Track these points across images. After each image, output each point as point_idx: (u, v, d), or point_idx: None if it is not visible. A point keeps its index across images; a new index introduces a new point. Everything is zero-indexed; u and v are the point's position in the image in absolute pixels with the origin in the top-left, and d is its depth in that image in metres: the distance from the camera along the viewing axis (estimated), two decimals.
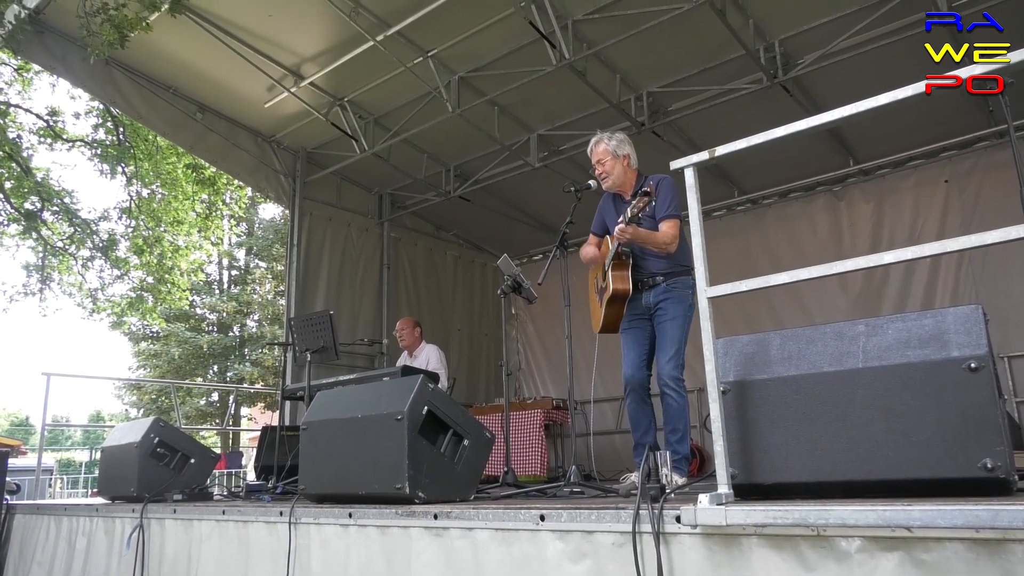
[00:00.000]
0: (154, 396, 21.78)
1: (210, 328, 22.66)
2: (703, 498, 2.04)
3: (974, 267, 6.77)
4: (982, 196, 6.83)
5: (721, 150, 2.31)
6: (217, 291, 23.27)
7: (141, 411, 22.25)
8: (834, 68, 5.87)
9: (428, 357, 6.54)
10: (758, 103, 6.36)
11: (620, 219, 3.65)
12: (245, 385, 21.01)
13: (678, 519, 2.10)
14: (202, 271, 20.53)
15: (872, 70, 5.82)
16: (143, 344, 21.94)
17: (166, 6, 5.16)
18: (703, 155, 2.34)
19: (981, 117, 6.53)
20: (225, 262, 24.05)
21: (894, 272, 7.14)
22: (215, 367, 22.04)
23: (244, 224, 22.96)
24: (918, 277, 7.10)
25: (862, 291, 7.37)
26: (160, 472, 4.79)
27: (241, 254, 24.50)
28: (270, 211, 23.31)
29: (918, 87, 1.99)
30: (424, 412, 3.17)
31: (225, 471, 13.99)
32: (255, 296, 23.34)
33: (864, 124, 6.33)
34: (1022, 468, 2.00)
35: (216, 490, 5.53)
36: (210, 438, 23.52)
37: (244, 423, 24.56)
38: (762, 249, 8.13)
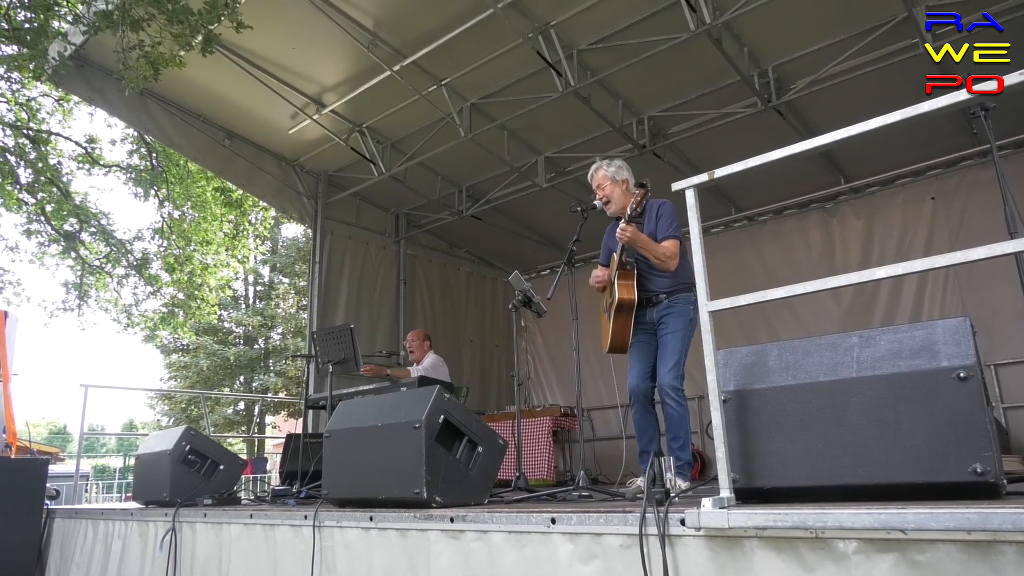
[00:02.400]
0: (184, 405, 21.85)
1: (237, 341, 22.72)
2: (706, 502, 2.03)
3: (960, 279, 6.74)
4: (967, 212, 6.81)
5: (720, 172, 2.30)
6: (243, 306, 23.38)
7: (172, 420, 22.31)
8: (824, 93, 5.88)
9: (425, 366, 6.50)
10: (753, 125, 6.38)
11: (622, 220, 3.67)
12: (270, 395, 21.04)
13: (682, 522, 2.09)
14: (229, 287, 20.60)
15: (860, 94, 5.83)
16: (174, 356, 22.04)
17: (198, 40, 5.20)
18: (703, 177, 2.33)
19: (965, 138, 6.53)
20: (251, 279, 24.19)
21: (884, 284, 7.11)
22: (241, 378, 22.12)
23: (268, 243, 23.08)
24: (907, 289, 7.08)
25: (853, 302, 7.34)
26: (191, 478, 4.79)
27: (266, 271, 24.62)
28: (292, 230, 23.48)
29: (920, 106, 1.95)
30: (440, 420, 3.17)
31: (251, 476, 14.00)
32: (279, 310, 23.41)
33: (854, 145, 6.24)
34: (1010, 472, 1.99)
35: (243, 495, 5.52)
36: (237, 445, 23.51)
37: (269, 431, 24.61)
38: (758, 263, 8.12)
